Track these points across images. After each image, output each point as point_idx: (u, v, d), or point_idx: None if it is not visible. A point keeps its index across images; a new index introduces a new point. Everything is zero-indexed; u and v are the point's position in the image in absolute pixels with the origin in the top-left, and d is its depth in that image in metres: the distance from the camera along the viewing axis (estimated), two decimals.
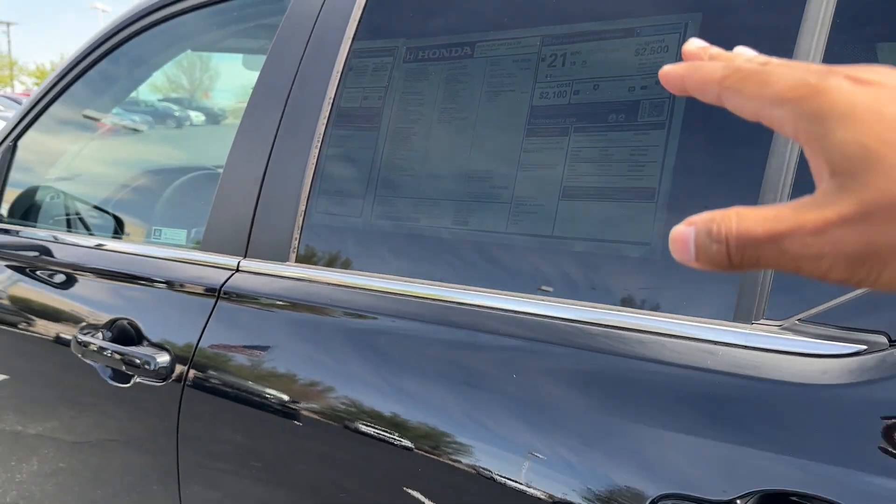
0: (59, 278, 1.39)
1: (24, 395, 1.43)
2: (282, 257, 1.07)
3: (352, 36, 1.09)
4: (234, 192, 1.15)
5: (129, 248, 1.29)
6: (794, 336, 0.67)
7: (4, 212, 1.67)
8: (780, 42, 0.74)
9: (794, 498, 0.61)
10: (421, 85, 1.01)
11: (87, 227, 1.66)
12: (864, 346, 0.64)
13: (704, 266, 0.30)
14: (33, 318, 1.40)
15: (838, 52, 0.72)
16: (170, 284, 1.18)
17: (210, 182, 1.90)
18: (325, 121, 1.08)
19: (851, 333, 0.65)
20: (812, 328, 0.67)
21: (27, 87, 52.26)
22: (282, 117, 1.12)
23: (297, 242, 1.07)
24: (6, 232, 1.59)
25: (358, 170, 1.06)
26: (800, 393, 0.65)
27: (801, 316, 0.68)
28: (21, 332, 1.40)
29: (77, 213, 1.70)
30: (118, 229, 1.67)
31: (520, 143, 0.90)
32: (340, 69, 1.08)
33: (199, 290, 1.12)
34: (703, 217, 0.30)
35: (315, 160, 1.07)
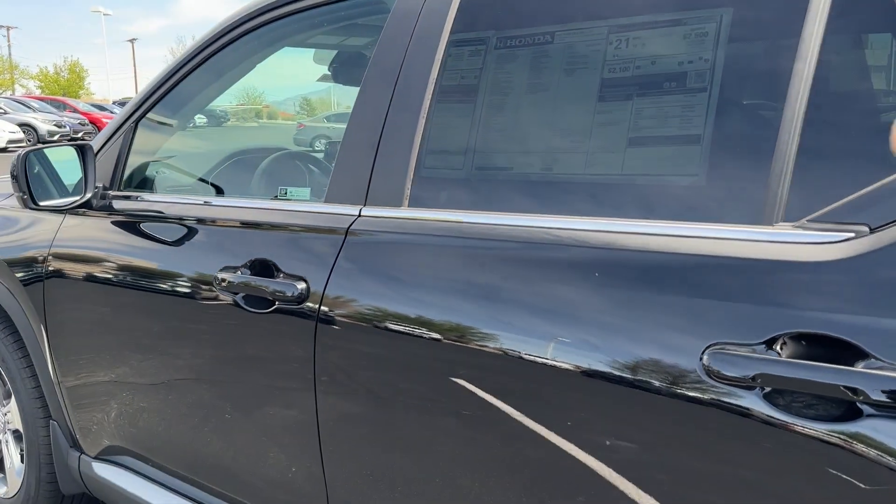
0: (190, 232, 1.68)
1: (155, 336, 1.71)
2: (396, 203, 1.36)
3: (450, 28, 1.38)
4: (353, 154, 1.44)
5: (260, 204, 1.58)
6: (804, 231, 0.97)
7: (124, 184, 1.96)
8: (789, 30, 1.03)
9: (802, 338, 0.91)
10: (510, 66, 1.31)
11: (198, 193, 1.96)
12: (853, 234, 0.93)
13: None
14: (164, 267, 1.69)
15: (834, 37, 1.01)
16: (305, 229, 1.47)
17: (293, 158, 2.19)
18: (430, 96, 1.37)
19: (844, 227, 0.94)
20: (817, 225, 0.96)
21: (28, 90, 52.44)
22: (393, 93, 1.41)
23: (408, 191, 1.36)
24: (132, 198, 1.88)
25: (457, 134, 1.35)
26: (808, 268, 0.94)
27: (809, 217, 0.97)
28: (152, 280, 1.69)
29: (185, 184, 1.99)
30: (219, 194, 1.96)
31: (594, 107, 1.19)
32: (441, 55, 1.37)
33: (331, 231, 1.41)
34: None
35: (422, 127, 1.36)
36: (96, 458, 1.99)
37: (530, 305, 1.14)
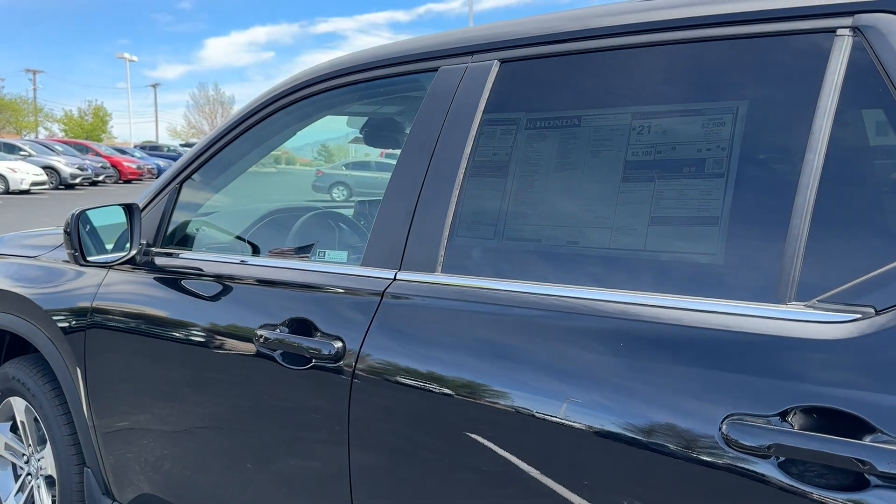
0: (228, 289, 1.78)
1: (194, 388, 1.80)
2: (430, 269, 1.45)
3: (483, 108, 1.49)
4: (390, 221, 1.54)
5: (303, 266, 1.68)
6: (814, 311, 1.05)
7: (167, 241, 2.06)
8: (801, 120, 1.13)
9: (814, 411, 0.98)
10: (539, 145, 1.41)
11: (236, 252, 2.06)
12: (860, 315, 1.01)
13: None
14: (205, 322, 1.78)
15: (841, 127, 1.11)
16: (342, 291, 1.56)
17: (326, 217, 2.30)
18: (464, 170, 1.47)
19: (851, 308, 1.02)
20: (827, 305, 1.04)
21: (51, 133, 53.58)
22: (428, 166, 1.51)
23: (442, 258, 1.45)
24: (173, 255, 1.98)
25: (488, 206, 1.45)
26: (818, 346, 1.02)
27: (819, 298, 1.05)
28: (193, 334, 1.78)
29: (224, 242, 2.10)
30: (255, 253, 2.07)
31: (617, 187, 1.29)
32: (474, 133, 1.48)
33: (367, 293, 1.50)
34: None
35: (456, 199, 1.46)
36: None
37: (550, 368, 1.22)
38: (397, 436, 1.41)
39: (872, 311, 1.00)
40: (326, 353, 1.49)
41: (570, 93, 1.43)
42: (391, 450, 1.42)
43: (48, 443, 2.26)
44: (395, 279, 1.49)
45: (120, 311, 1.98)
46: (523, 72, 1.49)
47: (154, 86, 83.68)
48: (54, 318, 2.14)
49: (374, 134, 2.51)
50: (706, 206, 1.18)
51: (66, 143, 29.04)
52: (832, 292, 1.05)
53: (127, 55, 42.29)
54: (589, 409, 1.16)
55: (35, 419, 2.35)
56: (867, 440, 0.93)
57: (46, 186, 21.28)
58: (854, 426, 0.95)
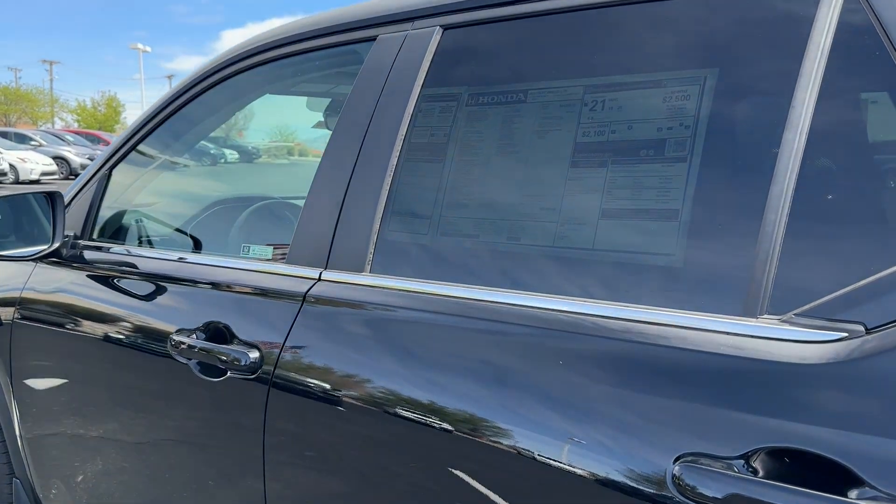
0: (152, 288, 1.59)
1: (116, 396, 1.62)
2: (358, 268, 1.26)
3: (421, 83, 1.29)
4: (316, 213, 1.34)
5: (223, 262, 1.49)
6: (790, 327, 0.84)
7: (97, 233, 1.88)
8: (779, 96, 0.92)
9: (785, 454, 0.78)
10: (480, 125, 1.21)
11: (170, 247, 1.87)
12: (846, 334, 0.80)
13: None
14: (129, 323, 1.60)
15: (829, 103, 0.90)
16: (260, 292, 1.37)
17: (273, 209, 2.11)
18: (398, 153, 1.27)
19: (836, 324, 0.81)
20: (805, 320, 0.83)
21: (66, 123, 53.87)
22: (360, 150, 1.31)
23: (371, 256, 1.26)
24: (101, 249, 1.80)
25: (424, 197, 1.25)
26: (794, 371, 0.81)
27: (797, 311, 0.84)
28: (115, 337, 1.60)
29: (159, 235, 1.91)
30: (196, 248, 1.88)
31: (566, 173, 1.08)
32: (411, 111, 1.28)
33: (287, 296, 1.31)
34: None
35: (388, 187, 1.27)
36: None
37: (485, 379, 1.02)
38: (317, 457, 1.22)
39: (862, 328, 0.80)
40: (243, 363, 1.30)
41: (514, 62, 1.22)
42: (308, 471, 1.23)
43: None
44: (319, 279, 1.30)
45: (43, 311, 1.80)
46: (467, 39, 1.28)
47: (169, 77, 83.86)
48: None
49: (334, 118, 2.30)
50: (664, 197, 0.97)
51: (77, 133, 29.06)
52: (812, 304, 0.84)
53: (140, 45, 42.19)
54: (517, 427, 0.96)
55: None
56: (852, 496, 0.73)
57: (56, 177, 21.23)
58: (836, 476, 0.74)
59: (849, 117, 0.95)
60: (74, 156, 22.59)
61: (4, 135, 23.23)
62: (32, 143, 23.19)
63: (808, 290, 0.85)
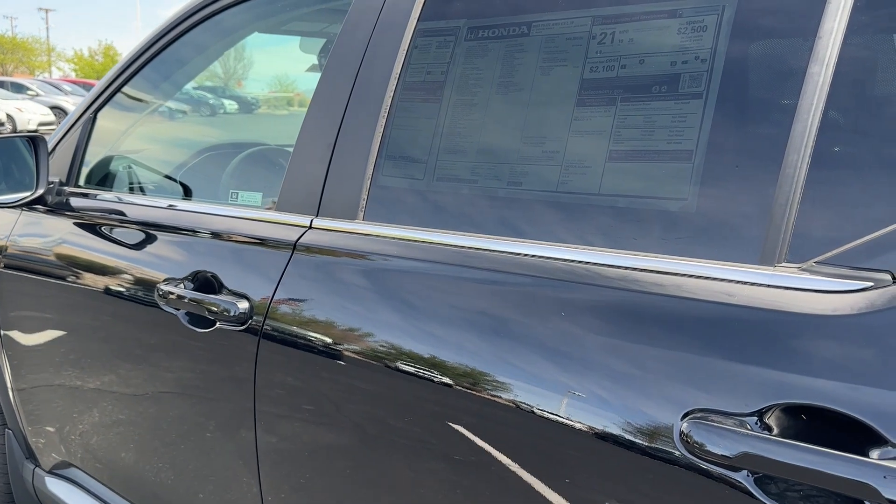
0: (140, 237, 1.53)
1: (105, 346, 1.57)
2: (351, 216, 1.20)
3: (417, 16, 1.20)
4: (307, 158, 1.27)
5: (210, 209, 1.43)
6: (811, 276, 0.78)
7: (83, 179, 1.81)
8: (807, 21, 0.84)
9: (803, 412, 0.72)
10: (480, 61, 1.13)
11: (159, 193, 1.80)
12: (871, 283, 0.74)
13: None
14: (115, 272, 1.55)
15: (858, 35, 0.83)
16: (249, 240, 1.31)
17: (266, 154, 2.03)
18: (392, 93, 1.20)
19: (861, 272, 0.75)
20: (827, 269, 0.77)
21: (64, 73, 53.21)
22: (352, 90, 1.24)
23: (364, 202, 1.19)
24: (87, 196, 1.74)
25: (420, 139, 1.18)
26: (815, 323, 0.75)
27: (818, 259, 0.78)
28: (102, 286, 1.55)
29: (146, 182, 1.84)
30: (186, 195, 1.81)
31: (571, 112, 1.01)
32: (406, 47, 1.20)
33: (277, 244, 1.25)
34: None
35: (382, 129, 1.19)
36: (50, 472, 1.86)
37: (485, 330, 0.97)
38: (308, 409, 1.17)
39: (889, 277, 0.74)
40: (232, 314, 1.25)
41: None
42: (301, 422, 1.19)
43: None
44: (310, 227, 1.24)
45: (28, 260, 1.75)
46: None
47: None
48: None
49: None
50: (678, 137, 0.90)
51: (74, 82, 28.68)
52: (835, 251, 0.78)
53: None
54: (517, 380, 0.92)
55: None
56: (873, 456, 0.68)
57: (54, 126, 21.02)
58: (855, 435, 0.69)
59: (880, 50, 0.87)
60: (72, 105, 22.32)
61: (1, 84, 22.94)
62: (30, 92, 22.90)
63: (830, 237, 0.79)
